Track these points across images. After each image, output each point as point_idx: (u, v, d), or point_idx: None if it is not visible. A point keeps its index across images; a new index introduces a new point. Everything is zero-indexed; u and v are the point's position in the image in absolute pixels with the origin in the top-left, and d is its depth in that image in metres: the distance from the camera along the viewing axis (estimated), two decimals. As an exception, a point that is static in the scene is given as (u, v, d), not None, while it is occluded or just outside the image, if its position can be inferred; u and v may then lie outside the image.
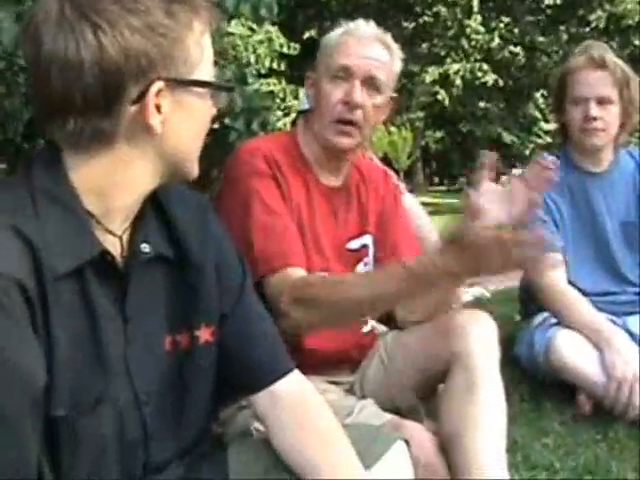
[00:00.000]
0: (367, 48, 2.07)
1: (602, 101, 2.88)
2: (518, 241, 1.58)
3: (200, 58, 1.22)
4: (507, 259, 1.62)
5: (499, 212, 1.80)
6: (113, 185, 1.21)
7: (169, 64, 1.17)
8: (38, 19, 1.14)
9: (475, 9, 20.46)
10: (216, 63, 1.29)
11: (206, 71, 1.24)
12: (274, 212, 1.98)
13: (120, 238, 1.24)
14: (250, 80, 3.96)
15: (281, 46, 12.75)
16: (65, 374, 1.14)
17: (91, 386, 1.18)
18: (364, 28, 2.11)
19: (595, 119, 2.88)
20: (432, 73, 21.59)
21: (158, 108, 1.17)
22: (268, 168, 2.02)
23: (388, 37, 2.11)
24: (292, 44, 12.86)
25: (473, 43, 20.52)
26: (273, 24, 12.58)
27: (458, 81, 21.48)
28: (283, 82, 14.54)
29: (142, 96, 1.15)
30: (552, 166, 1.79)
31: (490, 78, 21.33)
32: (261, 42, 12.55)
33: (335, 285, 1.87)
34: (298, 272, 1.93)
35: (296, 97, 13.30)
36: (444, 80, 21.82)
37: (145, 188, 1.25)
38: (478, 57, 21.42)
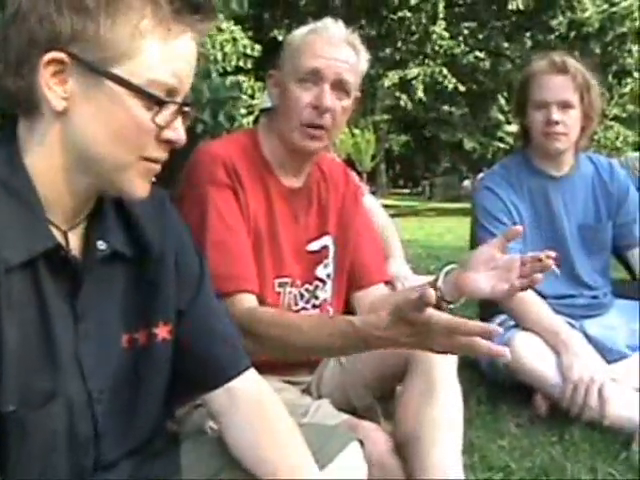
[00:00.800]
0: (336, 50, 2.02)
1: (563, 105, 2.90)
2: (469, 332, 1.58)
3: (132, 55, 1.14)
4: (454, 345, 1.61)
5: (484, 283, 1.86)
6: (43, 170, 1.18)
7: (78, 42, 1.12)
8: None
9: (440, 15, 20.57)
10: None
11: (141, 74, 1.15)
12: (230, 228, 1.96)
13: (65, 233, 1.22)
14: (213, 75, 3.92)
15: (244, 47, 12.71)
16: (14, 369, 1.12)
17: (41, 382, 1.16)
18: (333, 28, 2.05)
19: (557, 123, 2.90)
20: (392, 77, 21.65)
21: (63, 83, 1.14)
22: (227, 178, 1.99)
23: (356, 37, 2.08)
24: (255, 45, 12.83)
25: (437, 48, 20.64)
26: (236, 23, 12.54)
27: (419, 85, 21.57)
28: (252, 79, 14.51)
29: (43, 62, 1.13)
30: (550, 261, 1.83)
31: (450, 83, 21.46)
32: (227, 41, 12.50)
33: (283, 327, 1.85)
34: (249, 300, 1.93)
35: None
36: (404, 84, 21.90)
37: (75, 187, 1.20)
38: (440, 62, 21.54)
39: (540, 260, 1.81)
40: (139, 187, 1.22)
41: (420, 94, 22.50)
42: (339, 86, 2.02)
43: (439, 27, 20.68)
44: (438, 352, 1.68)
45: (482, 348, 1.55)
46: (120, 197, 1.26)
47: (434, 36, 20.61)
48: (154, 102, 1.17)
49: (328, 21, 2.09)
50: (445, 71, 21.40)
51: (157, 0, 1.15)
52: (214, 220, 1.95)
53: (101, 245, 1.24)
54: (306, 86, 2.02)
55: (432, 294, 1.55)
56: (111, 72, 1.14)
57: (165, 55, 1.16)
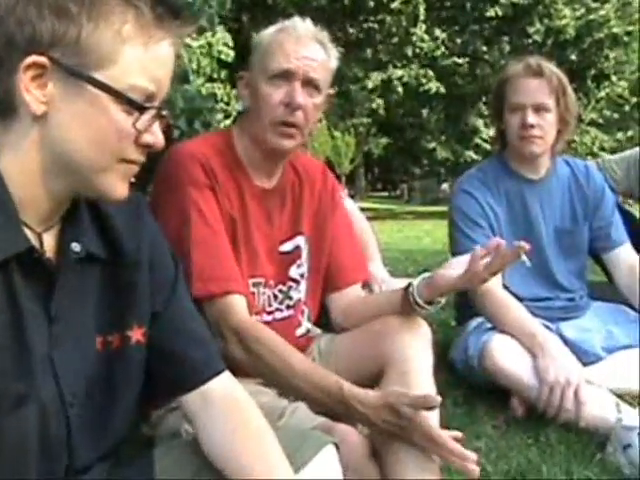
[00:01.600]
0: (305, 48, 2.03)
1: (539, 108, 2.91)
2: (448, 451, 1.73)
3: (113, 60, 1.14)
4: (426, 445, 1.79)
5: (455, 274, 1.96)
6: (18, 172, 1.16)
7: (58, 46, 1.12)
8: None
9: (421, 17, 20.61)
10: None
11: (122, 79, 1.15)
12: (214, 229, 1.97)
13: (39, 235, 1.21)
14: (191, 78, 3.92)
15: (219, 52, 12.61)
16: None
17: (13, 385, 1.15)
18: (301, 27, 2.07)
19: (532, 126, 2.91)
20: (375, 79, 21.69)
21: (42, 87, 1.13)
22: (206, 177, 2.00)
23: (324, 35, 2.09)
24: (227, 51, 12.75)
25: (417, 51, 20.69)
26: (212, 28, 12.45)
27: (400, 88, 21.61)
28: (228, 87, 14.47)
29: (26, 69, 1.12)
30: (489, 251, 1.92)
31: (433, 85, 21.54)
32: (202, 47, 12.39)
33: (277, 357, 1.89)
34: (239, 301, 1.95)
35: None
36: (386, 85, 21.93)
37: (52, 189, 1.19)
38: (421, 64, 21.60)
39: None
40: (118, 189, 1.22)
41: (400, 97, 22.56)
42: (310, 83, 2.04)
43: (420, 29, 20.73)
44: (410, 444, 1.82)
45: (453, 463, 1.76)
46: (96, 199, 1.26)
47: (414, 38, 20.64)
48: (134, 107, 1.17)
49: (296, 20, 2.10)
50: (430, 72, 21.43)
51: (139, 5, 1.15)
52: (197, 221, 1.95)
53: (75, 247, 1.23)
54: (277, 84, 2.03)
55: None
56: (92, 77, 1.14)
57: (146, 60, 1.17)
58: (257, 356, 1.89)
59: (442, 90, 21.80)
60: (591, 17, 21.88)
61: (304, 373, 1.86)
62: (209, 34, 12.53)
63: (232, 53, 12.85)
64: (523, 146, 2.96)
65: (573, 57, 21.59)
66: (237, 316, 1.92)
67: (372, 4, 19.88)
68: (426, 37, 20.71)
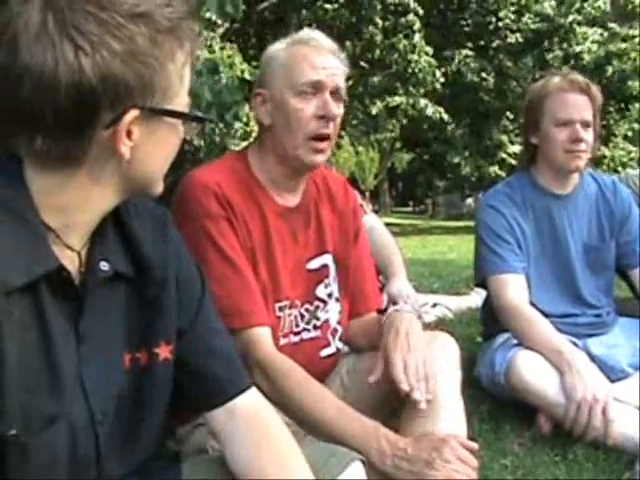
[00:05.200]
0: (327, 58, 2.04)
1: (585, 124, 2.93)
2: None
3: (179, 89, 1.20)
4: None
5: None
6: (75, 203, 1.18)
7: (147, 93, 1.15)
8: (18, 26, 1.09)
9: (422, 41, 20.60)
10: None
11: (182, 101, 1.22)
12: (231, 261, 1.95)
13: (78, 253, 1.22)
14: (221, 68, 3.90)
15: (242, 72, 12.56)
16: (16, 392, 1.11)
17: (44, 404, 1.15)
18: (319, 38, 2.07)
19: (582, 141, 2.91)
20: (395, 101, 21.67)
21: (129, 135, 1.15)
22: (221, 209, 1.97)
23: (335, 45, 2.09)
24: (250, 69, 12.74)
25: (422, 76, 20.62)
26: (237, 44, 12.49)
27: (429, 109, 21.58)
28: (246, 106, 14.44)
29: (115, 122, 1.13)
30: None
31: (436, 112, 21.50)
32: (226, 66, 12.35)
33: (305, 392, 1.87)
34: (262, 333, 1.94)
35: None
36: (392, 111, 21.94)
37: (107, 206, 1.23)
38: (434, 89, 21.59)
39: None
40: (162, 184, 1.29)
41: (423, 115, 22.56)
42: (336, 94, 2.04)
43: (423, 56, 20.69)
44: None
45: None
46: (120, 216, 1.28)
47: (419, 61, 20.63)
48: (197, 121, 1.30)
49: (308, 31, 2.12)
50: (430, 105, 21.44)
51: (182, 38, 1.19)
52: (213, 255, 1.94)
53: (104, 266, 1.24)
54: (307, 97, 2.02)
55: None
56: (169, 110, 1.20)
57: (187, 80, 1.24)
58: (282, 389, 1.86)
59: (445, 117, 21.83)
60: (610, 48, 21.92)
61: (338, 419, 1.83)
62: (230, 52, 12.56)
63: (256, 71, 12.87)
64: (569, 160, 2.95)
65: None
66: (262, 349, 1.91)
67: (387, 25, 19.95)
68: (433, 61, 20.65)
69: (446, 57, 22.38)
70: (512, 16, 22.09)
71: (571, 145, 2.93)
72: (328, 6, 19.70)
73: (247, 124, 12.63)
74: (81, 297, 1.21)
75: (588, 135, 2.94)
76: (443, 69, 20.97)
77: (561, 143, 2.95)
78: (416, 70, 19.96)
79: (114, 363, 1.27)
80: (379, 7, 19.48)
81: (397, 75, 20.48)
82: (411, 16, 19.80)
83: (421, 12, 20.04)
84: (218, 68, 3.99)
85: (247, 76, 12.60)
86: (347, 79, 2.15)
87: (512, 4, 21.97)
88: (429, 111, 21.12)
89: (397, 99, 21.10)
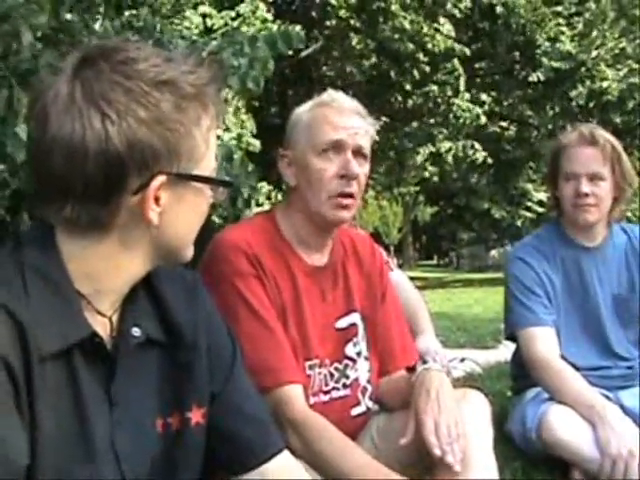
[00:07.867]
0: (349, 118, 2.06)
1: (593, 177, 2.91)
2: None
3: (204, 153, 1.22)
4: None
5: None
6: (105, 269, 1.20)
7: (174, 159, 1.17)
8: (47, 99, 1.13)
9: (461, 87, 20.71)
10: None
11: (208, 166, 1.24)
12: (261, 319, 1.95)
13: (110, 319, 1.24)
14: (235, 156, 3.96)
15: (248, 144, 12.42)
16: (49, 455, 1.12)
17: (76, 468, 1.16)
18: (339, 98, 2.10)
19: (586, 195, 2.90)
20: (423, 153, 21.75)
21: (157, 200, 1.17)
22: (251, 267, 1.98)
23: (359, 105, 2.11)
24: (253, 141, 12.65)
25: (462, 120, 20.73)
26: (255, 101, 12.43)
27: (450, 158, 21.63)
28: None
29: (143, 188, 1.15)
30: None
31: (480, 155, 21.54)
32: (233, 139, 12.25)
33: (338, 452, 1.85)
34: (293, 391, 1.93)
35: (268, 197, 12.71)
36: (436, 158, 21.98)
37: (138, 272, 1.24)
38: (467, 133, 21.64)
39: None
40: (192, 250, 1.30)
41: (451, 166, 22.61)
42: (359, 152, 2.06)
43: (461, 99, 20.84)
44: None
45: None
46: (150, 280, 1.30)
47: (455, 107, 20.75)
48: (224, 185, 1.32)
49: (331, 92, 2.14)
50: (477, 145, 21.48)
51: (206, 103, 1.22)
52: (244, 313, 1.94)
53: (136, 332, 1.26)
54: (328, 157, 2.04)
55: None
56: (196, 175, 1.22)
57: (213, 144, 1.26)
58: (316, 449, 1.85)
59: (489, 160, 21.78)
60: (634, 80, 21.82)
61: (362, 467, 1.81)
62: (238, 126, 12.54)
63: (258, 143, 12.84)
64: (577, 214, 2.95)
65: (617, 119, 21.42)
66: (294, 408, 1.90)
67: (417, 76, 20.05)
68: (470, 105, 20.77)
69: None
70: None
71: (576, 199, 2.92)
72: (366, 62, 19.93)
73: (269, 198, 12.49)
74: (113, 362, 1.22)
75: (597, 188, 2.91)
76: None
77: (568, 198, 2.95)
78: (458, 114, 20.02)
79: (146, 428, 1.28)
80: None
81: (437, 121, 20.56)
82: (455, 61, 19.88)
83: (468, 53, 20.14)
84: (232, 155, 4.06)
85: (251, 149, 12.49)
86: (378, 132, 2.17)
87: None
88: (478, 155, 21.09)
89: (446, 144, 21.15)
